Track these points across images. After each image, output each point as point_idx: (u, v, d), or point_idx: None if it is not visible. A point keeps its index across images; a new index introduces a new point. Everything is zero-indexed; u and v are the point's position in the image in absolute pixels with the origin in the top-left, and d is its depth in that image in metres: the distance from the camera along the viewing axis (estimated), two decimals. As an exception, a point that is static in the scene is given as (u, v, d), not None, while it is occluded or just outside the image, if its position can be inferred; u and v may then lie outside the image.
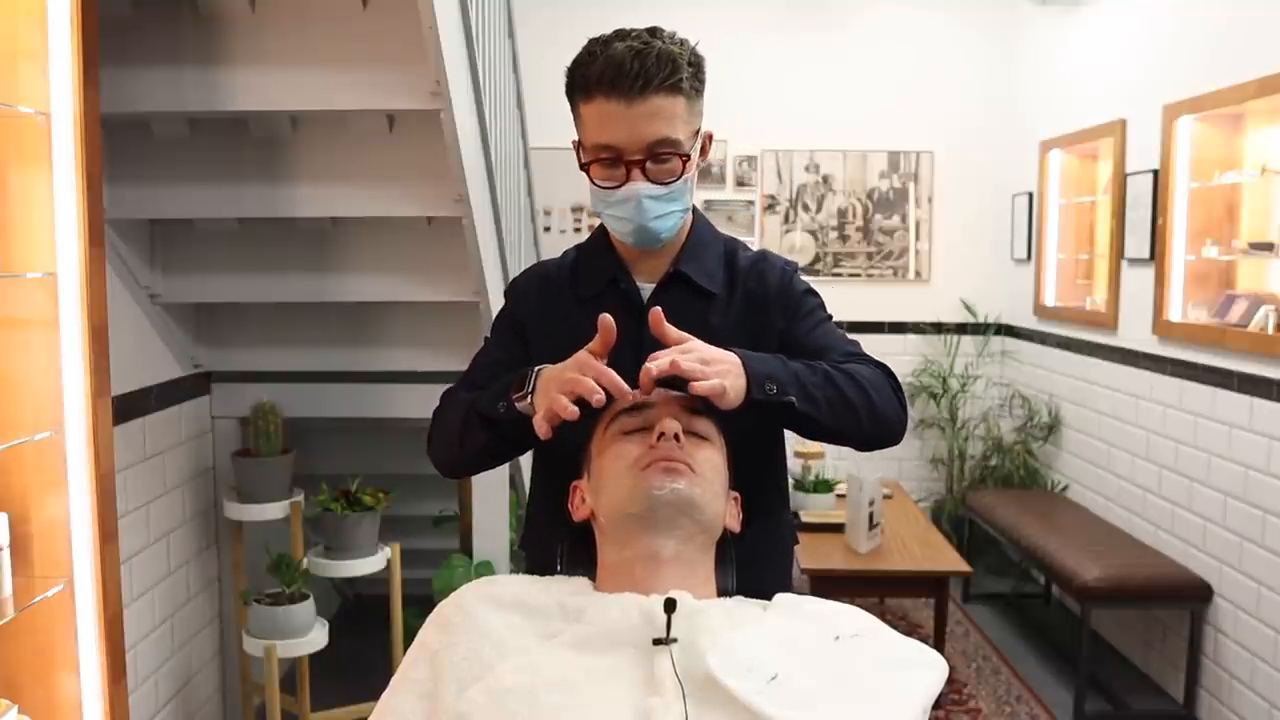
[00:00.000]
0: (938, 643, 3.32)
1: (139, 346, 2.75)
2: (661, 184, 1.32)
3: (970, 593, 4.55)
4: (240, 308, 3.04)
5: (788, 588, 1.45)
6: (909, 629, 4.14)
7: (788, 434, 1.46)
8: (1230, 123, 3.42)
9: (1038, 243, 4.85)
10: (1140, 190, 3.79)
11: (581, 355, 1.22)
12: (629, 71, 1.26)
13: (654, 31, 1.32)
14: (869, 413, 1.31)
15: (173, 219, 2.75)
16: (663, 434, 1.21)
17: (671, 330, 1.22)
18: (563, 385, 1.20)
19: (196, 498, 3.06)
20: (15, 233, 1.47)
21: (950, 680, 3.47)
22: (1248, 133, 3.39)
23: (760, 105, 5.26)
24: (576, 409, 1.18)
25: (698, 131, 1.36)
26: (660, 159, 1.31)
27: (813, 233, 5.34)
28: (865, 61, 5.25)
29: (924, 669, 1.13)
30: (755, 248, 1.55)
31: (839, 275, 5.34)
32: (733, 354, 1.24)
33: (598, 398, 1.17)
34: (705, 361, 1.20)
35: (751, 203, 5.32)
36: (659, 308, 1.23)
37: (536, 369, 1.27)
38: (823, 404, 1.28)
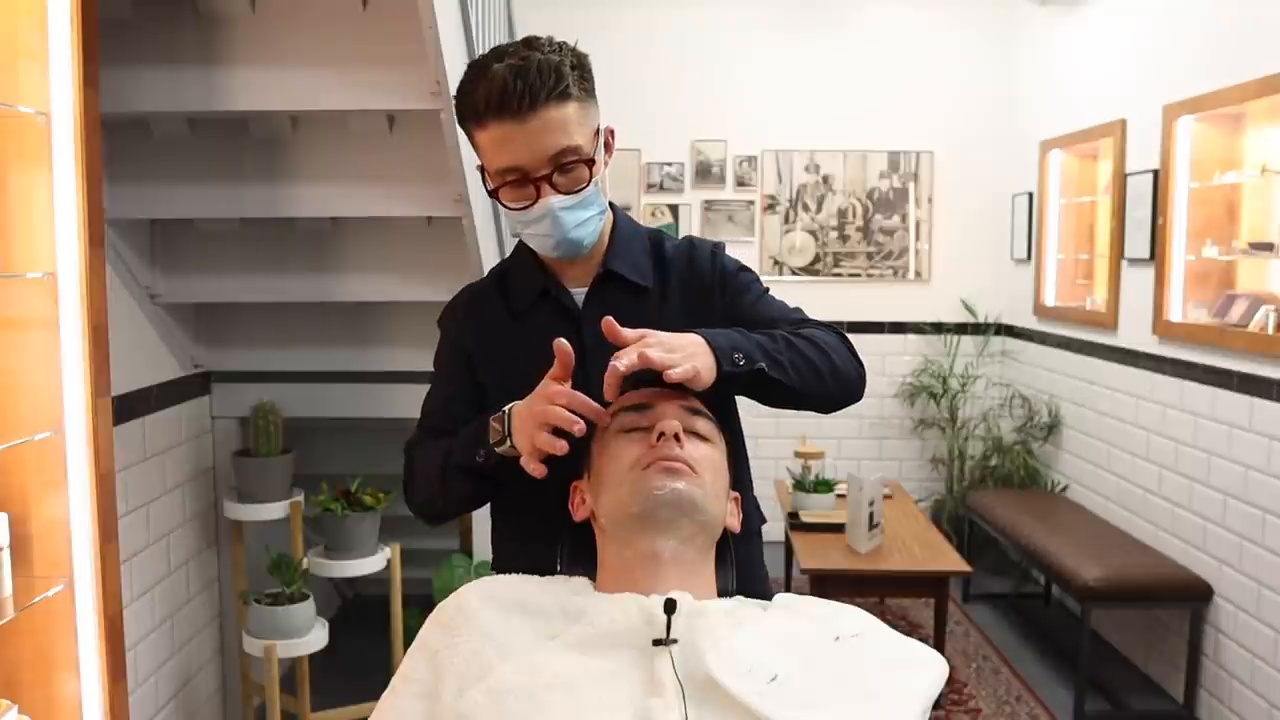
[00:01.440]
0: (938, 643, 3.32)
1: (139, 346, 2.75)
2: (572, 193, 1.31)
3: (970, 593, 4.55)
4: (240, 308, 3.04)
5: (761, 575, 1.44)
6: (909, 629, 4.14)
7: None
8: (1230, 123, 3.42)
9: (1038, 243, 4.85)
10: (1140, 190, 3.79)
11: (547, 386, 1.22)
12: (513, 90, 1.24)
13: (530, 43, 1.29)
14: (831, 372, 1.33)
15: (173, 219, 2.75)
16: (663, 434, 1.20)
17: (626, 331, 1.20)
18: (538, 419, 1.19)
19: (196, 498, 3.06)
20: (15, 233, 1.47)
21: (950, 680, 3.47)
22: (1248, 133, 3.39)
23: (760, 105, 5.26)
24: (566, 444, 1.18)
25: (597, 131, 1.34)
26: (566, 169, 1.29)
27: (813, 233, 5.34)
28: (865, 61, 5.25)
29: (924, 669, 1.12)
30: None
31: (839, 275, 5.34)
32: (693, 334, 1.24)
33: (578, 428, 1.17)
34: (670, 349, 1.19)
35: (751, 203, 5.32)
36: (610, 317, 1.21)
37: (507, 409, 1.27)
38: (789, 368, 1.28)
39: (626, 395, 1.25)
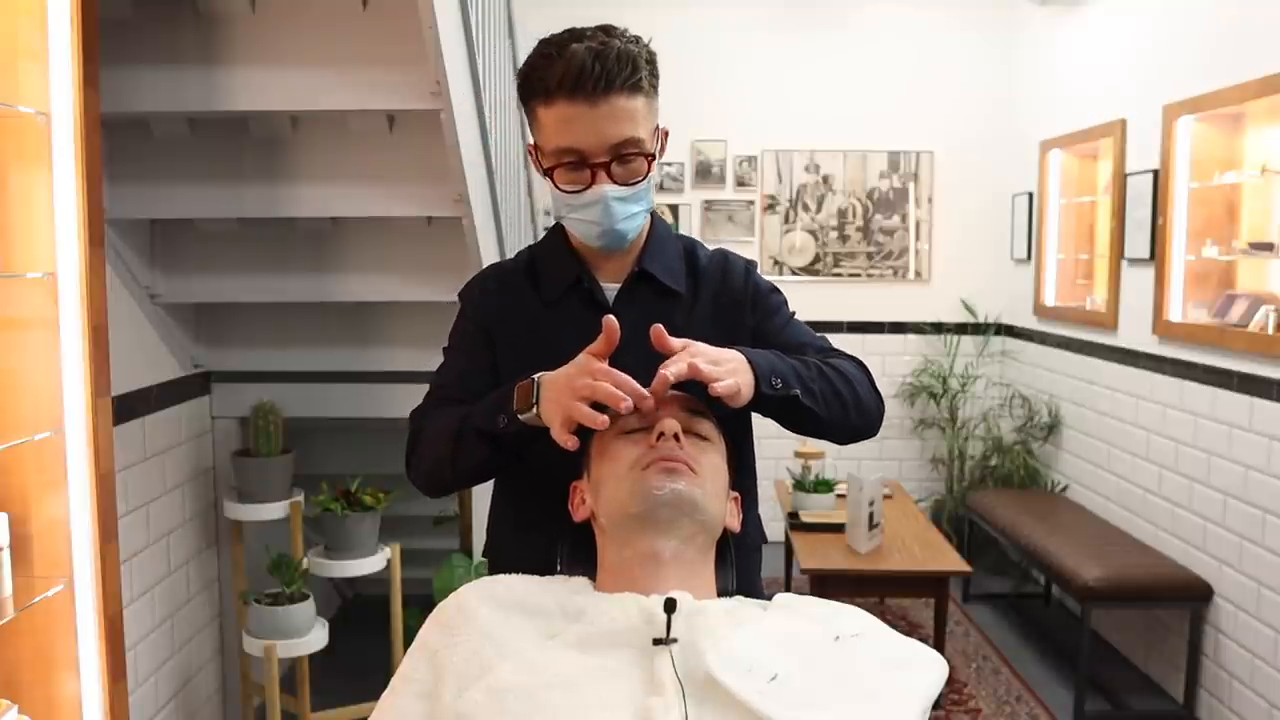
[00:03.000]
0: (938, 643, 3.32)
1: (139, 346, 2.75)
2: (628, 185, 1.30)
3: (970, 593, 4.55)
4: (240, 308, 3.04)
5: (756, 586, 1.45)
6: (909, 629, 4.14)
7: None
8: (1230, 123, 3.42)
9: (1038, 243, 4.85)
10: (1140, 190, 3.79)
11: (590, 361, 1.20)
12: (591, 73, 1.23)
13: (609, 30, 1.29)
14: (855, 405, 1.35)
15: (173, 219, 2.75)
16: (663, 434, 1.21)
17: (673, 340, 1.20)
18: (578, 392, 1.17)
19: (196, 498, 3.06)
20: (15, 233, 1.47)
21: (950, 680, 3.47)
22: (1248, 133, 3.39)
23: (760, 105, 5.26)
24: (607, 418, 1.16)
25: (656, 129, 1.35)
26: (626, 160, 1.29)
27: (813, 233, 5.34)
28: (865, 61, 5.25)
29: (924, 669, 1.12)
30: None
31: (839, 275, 5.34)
32: (735, 351, 1.24)
33: (626, 405, 1.15)
34: (716, 362, 1.19)
35: (751, 203, 5.32)
36: (660, 325, 1.20)
37: (537, 377, 1.24)
38: (819, 397, 1.29)
39: None
